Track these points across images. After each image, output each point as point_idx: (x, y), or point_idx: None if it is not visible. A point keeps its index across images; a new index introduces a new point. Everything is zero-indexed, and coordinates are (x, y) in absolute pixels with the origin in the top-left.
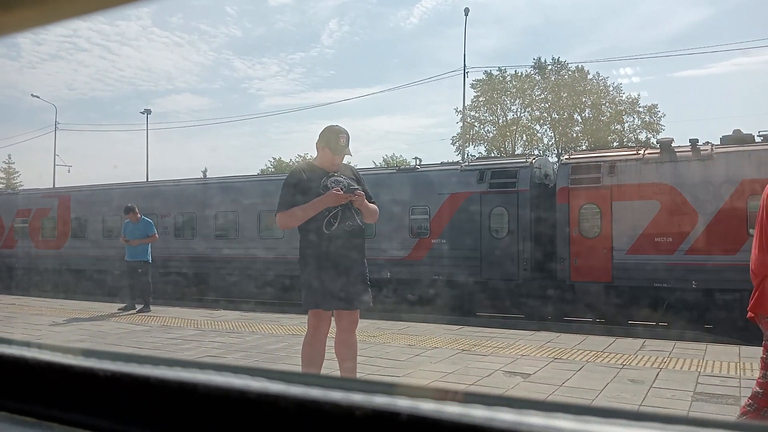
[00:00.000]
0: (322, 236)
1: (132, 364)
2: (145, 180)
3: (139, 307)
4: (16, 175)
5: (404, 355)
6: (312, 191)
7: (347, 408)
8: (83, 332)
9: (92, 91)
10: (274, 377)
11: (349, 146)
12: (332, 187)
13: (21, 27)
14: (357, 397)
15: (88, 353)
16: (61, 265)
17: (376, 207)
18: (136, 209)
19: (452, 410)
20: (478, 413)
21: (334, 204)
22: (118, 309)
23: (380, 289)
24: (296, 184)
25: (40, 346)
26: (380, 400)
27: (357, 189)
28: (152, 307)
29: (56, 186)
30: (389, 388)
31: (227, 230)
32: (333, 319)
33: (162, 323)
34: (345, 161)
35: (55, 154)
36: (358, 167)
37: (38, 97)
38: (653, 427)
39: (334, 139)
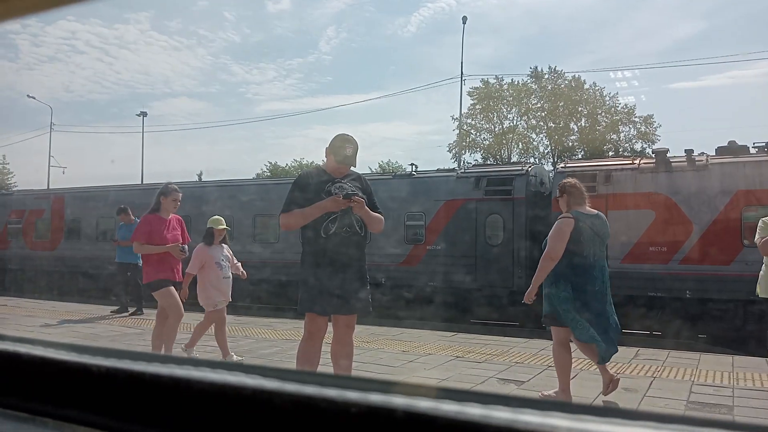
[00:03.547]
0: (319, 239)
1: (126, 361)
2: (141, 182)
3: (132, 309)
4: (11, 175)
5: (398, 361)
6: (316, 195)
7: (343, 405)
8: (75, 334)
9: (89, 93)
10: (270, 374)
11: (356, 157)
12: (335, 193)
13: (10, 15)
14: (352, 395)
15: (81, 349)
16: (54, 266)
17: (380, 216)
18: (129, 210)
19: (449, 408)
20: (474, 411)
21: (333, 209)
22: (111, 312)
23: (374, 294)
24: (302, 187)
25: (33, 342)
26: (376, 398)
27: (355, 195)
28: (146, 310)
29: (51, 187)
30: (385, 386)
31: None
32: (330, 322)
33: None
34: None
35: (50, 155)
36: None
37: (34, 98)
38: (649, 426)
39: (339, 147)
